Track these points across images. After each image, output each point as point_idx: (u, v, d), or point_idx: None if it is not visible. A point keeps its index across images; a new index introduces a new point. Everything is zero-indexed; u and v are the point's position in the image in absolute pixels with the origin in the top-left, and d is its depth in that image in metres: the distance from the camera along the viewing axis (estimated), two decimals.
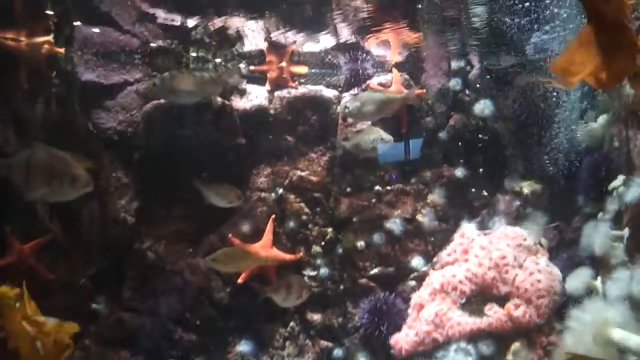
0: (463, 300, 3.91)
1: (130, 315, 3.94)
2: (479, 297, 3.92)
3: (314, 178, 4.60)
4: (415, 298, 4.12)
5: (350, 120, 4.60)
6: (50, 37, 3.62)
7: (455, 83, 4.78)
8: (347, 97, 4.65)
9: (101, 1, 4.07)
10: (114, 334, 3.88)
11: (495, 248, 3.98)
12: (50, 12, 3.75)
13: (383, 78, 4.72)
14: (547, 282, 3.75)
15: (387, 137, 4.10)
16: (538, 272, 3.81)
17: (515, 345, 3.71)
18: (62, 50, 3.81)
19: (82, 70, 4.00)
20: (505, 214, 4.58)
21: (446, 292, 3.97)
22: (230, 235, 4.19)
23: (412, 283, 4.42)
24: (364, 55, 4.78)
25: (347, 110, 4.02)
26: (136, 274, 4.03)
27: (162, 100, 4.10)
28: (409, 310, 4.12)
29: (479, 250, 4.04)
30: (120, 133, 4.11)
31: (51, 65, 3.80)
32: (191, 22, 4.31)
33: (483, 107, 4.65)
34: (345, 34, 4.73)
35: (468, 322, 3.77)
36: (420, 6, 4.49)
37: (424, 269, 4.44)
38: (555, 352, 3.54)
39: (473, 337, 3.73)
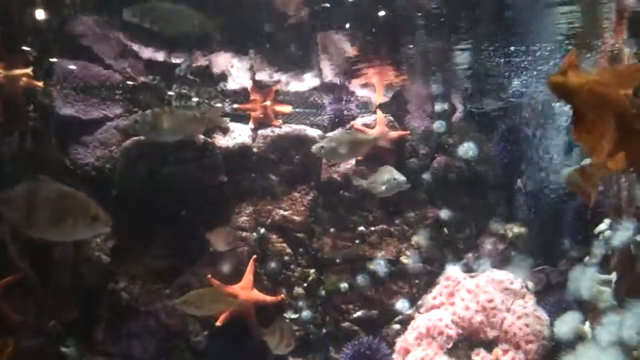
0: (450, 345, 3.79)
1: (102, 359, 3.74)
2: (466, 341, 3.81)
3: (296, 218, 4.51)
4: (400, 342, 4.00)
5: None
6: (28, 70, 3.54)
7: (439, 125, 4.80)
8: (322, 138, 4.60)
9: (83, 36, 4.01)
10: None
11: (482, 291, 3.89)
12: (27, 48, 3.69)
13: (367, 119, 4.72)
14: (535, 327, 3.66)
15: (401, 177, 4.06)
16: (526, 316, 3.73)
17: None
18: (40, 83, 3.73)
19: (61, 105, 3.92)
20: (490, 256, 4.54)
21: (432, 337, 3.85)
22: (209, 276, 4.06)
23: (397, 327, 4.30)
24: (348, 95, 4.81)
25: (322, 151, 3.95)
26: (110, 316, 3.85)
27: (142, 137, 4.01)
28: (394, 355, 3.99)
29: (466, 294, 3.95)
30: (98, 169, 4.00)
31: (29, 99, 3.70)
32: (175, 59, 4.28)
33: (467, 149, 4.65)
34: (330, 74, 4.75)
35: None
36: (404, 49, 4.53)
37: (409, 312, 4.33)
38: None
39: None
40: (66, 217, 2.36)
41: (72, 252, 3.76)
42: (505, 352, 3.67)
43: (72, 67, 3.95)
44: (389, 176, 4.05)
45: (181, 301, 3.47)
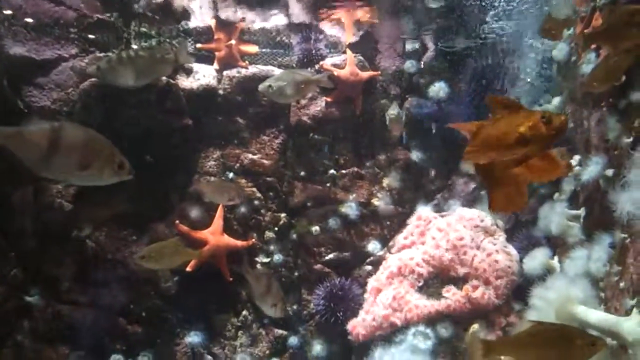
0: (421, 283, 3.82)
1: (69, 308, 3.64)
2: (437, 279, 3.84)
3: (266, 161, 4.41)
4: (372, 282, 4.01)
5: (303, 102, 4.44)
6: None
7: (410, 65, 4.70)
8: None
9: None
10: (50, 328, 3.57)
11: (452, 229, 3.90)
12: None
13: (337, 59, 4.57)
14: (505, 263, 3.71)
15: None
16: (496, 252, 3.77)
17: (474, 327, 3.65)
18: None
19: (10, 44, 3.66)
20: (461, 196, 4.55)
21: (404, 275, 3.88)
22: (177, 221, 3.98)
23: (369, 268, 4.32)
24: (317, 35, 4.62)
25: (270, 90, 3.71)
26: (75, 264, 3.73)
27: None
28: (366, 295, 4.01)
29: (436, 232, 3.96)
30: (55, 112, 3.78)
31: None
32: None
33: (438, 89, 4.57)
34: (298, 12, 4.56)
35: (426, 305, 3.68)
36: None
37: (380, 253, 4.34)
38: (519, 323, 3.50)
39: (431, 320, 3.64)
40: (93, 162, 2.21)
41: (32, 199, 3.60)
42: (475, 287, 3.71)
43: (20, 2, 3.67)
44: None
45: (139, 256, 3.34)
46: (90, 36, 3.88)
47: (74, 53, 3.87)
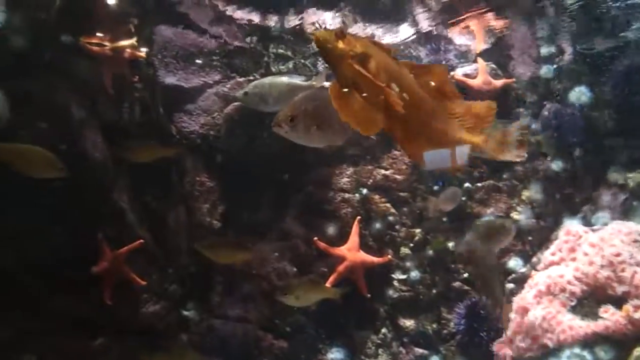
0: (574, 303, 3.57)
1: (221, 322, 3.83)
2: (591, 298, 3.57)
3: (398, 177, 4.38)
4: (517, 301, 3.82)
5: None
6: (133, 41, 3.56)
7: (546, 70, 4.48)
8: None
9: (178, 3, 4.00)
10: (205, 342, 3.77)
11: (608, 244, 3.61)
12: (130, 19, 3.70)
13: (468, 68, 4.46)
14: None
15: None
16: None
17: (638, 351, 3.35)
18: (143, 54, 3.75)
19: (163, 74, 3.95)
20: (610, 208, 4.22)
21: (553, 294, 3.65)
22: (315, 238, 4.05)
23: (511, 286, 4.11)
24: (446, 45, 4.55)
25: (245, 97, 3.51)
26: (223, 280, 3.93)
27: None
28: (512, 315, 3.82)
29: (589, 248, 3.69)
30: (203, 136, 4.03)
31: (133, 70, 3.75)
32: (268, 20, 4.20)
33: (579, 94, 4.30)
34: (426, 24, 4.51)
35: (581, 325, 3.43)
36: None
37: (523, 270, 4.13)
38: None
39: (588, 342, 3.38)
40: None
41: (185, 219, 3.84)
42: (637, 308, 3.40)
43: (170, 35, 3.95)
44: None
45: (282, 294, 3.47)
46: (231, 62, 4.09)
47: (218, 79, 4.10)
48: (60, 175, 2.78)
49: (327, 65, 2.06)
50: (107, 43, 3.48)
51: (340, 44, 1.90)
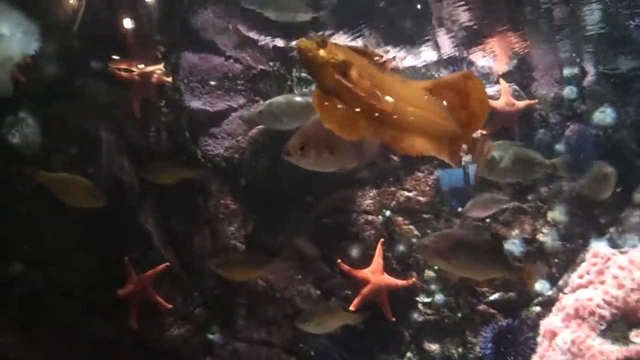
0: (603, 327, 3.50)
1: (245, 346, 3.82)
2: (621, 322, 3.50)
3: (422, 198, 4.37)
4: (545, 325, 3.74)
5: None
6: (160, 66, 3.64)
7: (569, 91, 4.46)
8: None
9: (203, 28, 4.07)
10: None
11: (637, 267, 3.56)
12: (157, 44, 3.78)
13: (490, 90, 4.45)
14: None
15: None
16: None
17: None
18: (169, 79, 3.82)
19: (189, 98, 4.01)
20: (637, 230, 4.16)
21: (582, 318, 3.58)
22: (339, 260, 4.03)
23: (537, 309, 4.06)
24: (468, 67, 4.56)
25: (260, 116, 3.61)
26: (247, 302, 3.92)
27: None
28: (539, 339, 3.75)
29: (618, 271, 3.62)
30: (227, 159, 4.06)
31: (160, 94, 3.82)
32: (291, 44, 4.25)
33: (604, 115, 4.28)
34: (448, 46, 4.53)
35: (612, 350, 3.35)
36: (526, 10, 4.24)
37: (549, 293, 4.08)
38: None
39: None
40: None
41: (210, 242, 3.86)
42: None
43: (196, 60, 4.02)
44: None
45: (301, 321, 3.48)
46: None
47: (242, 103, 4.14)
48: (99, 204, 2.82)
49: (308, 73, 2.09)
50: (134, 69, 3.55)
51: (322, 52, 1.91)
